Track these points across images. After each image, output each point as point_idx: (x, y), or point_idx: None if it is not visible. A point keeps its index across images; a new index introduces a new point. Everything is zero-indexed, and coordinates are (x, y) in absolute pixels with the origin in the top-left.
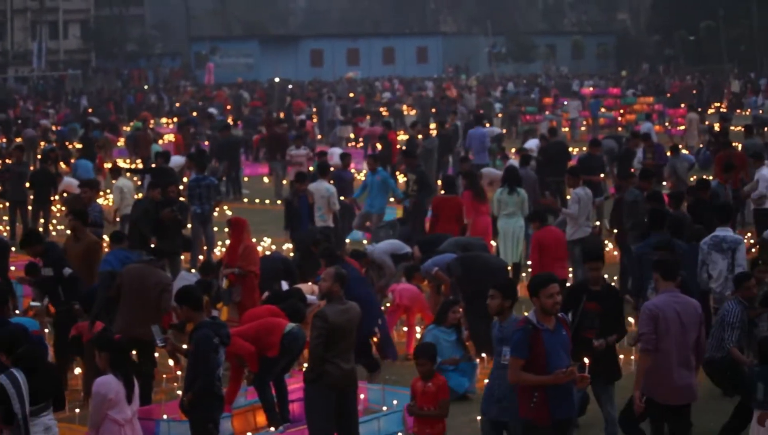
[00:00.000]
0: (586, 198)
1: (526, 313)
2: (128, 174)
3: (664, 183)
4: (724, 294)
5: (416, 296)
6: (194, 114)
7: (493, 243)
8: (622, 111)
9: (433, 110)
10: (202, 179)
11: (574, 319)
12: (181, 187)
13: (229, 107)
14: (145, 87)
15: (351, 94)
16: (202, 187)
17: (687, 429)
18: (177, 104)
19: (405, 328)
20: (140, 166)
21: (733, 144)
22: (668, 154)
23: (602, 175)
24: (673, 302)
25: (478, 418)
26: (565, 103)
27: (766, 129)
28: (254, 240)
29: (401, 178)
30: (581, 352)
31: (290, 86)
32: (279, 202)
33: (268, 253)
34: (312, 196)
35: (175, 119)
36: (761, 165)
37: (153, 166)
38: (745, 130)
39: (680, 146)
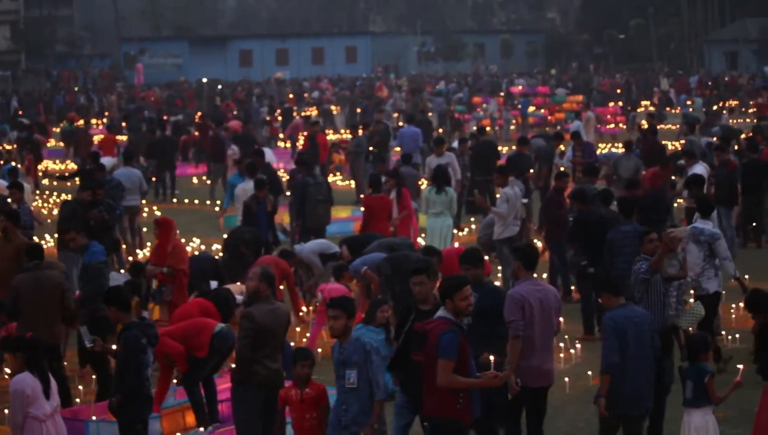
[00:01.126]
0: (514, 197)
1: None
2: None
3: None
4: (701, 282)
5: (346, 295)
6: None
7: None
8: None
9: (358, 110)
10: (109, 181)
11: (400, 339)
12: None
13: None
14: (75, 88)
15: (291, 96)
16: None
17: (544, 411)
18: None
19: None
20: (75, 166)
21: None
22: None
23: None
24: (534, 290)
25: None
26: (485, 103)
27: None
28: (183, 240)
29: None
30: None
31: (219, 87)
32: (208, 202)
33: (197, 253)
34: (272, 202)
35: (104, 120)
36: (694, 163)
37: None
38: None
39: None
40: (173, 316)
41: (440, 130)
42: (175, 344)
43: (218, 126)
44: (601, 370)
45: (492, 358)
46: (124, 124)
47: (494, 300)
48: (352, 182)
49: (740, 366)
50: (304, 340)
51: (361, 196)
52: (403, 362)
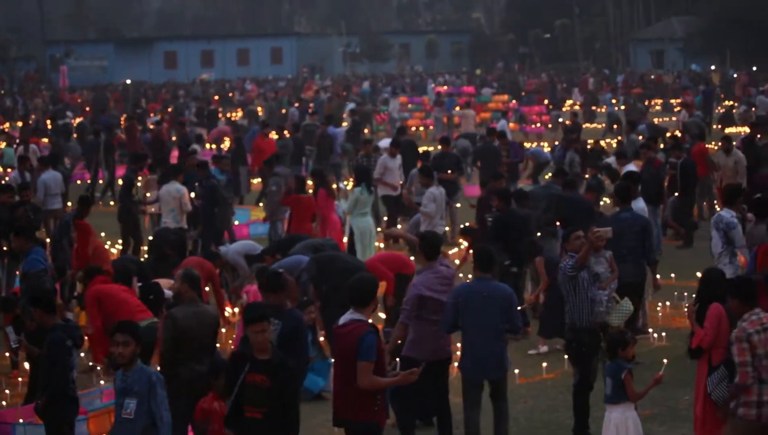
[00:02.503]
0: (440, 197)
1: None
2: None
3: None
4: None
5: None
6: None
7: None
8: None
9: (283, 111)
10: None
11: (233, 391)
12: None
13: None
14: (1, 91)
15: (216, 97)
16: None
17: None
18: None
19: None
20: None
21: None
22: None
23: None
24: (432, 277)
25: None
26: (410, 104)
27: (615, 126)
28: (109, 242)
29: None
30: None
31: (145, 89)
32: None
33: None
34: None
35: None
36: (627, 163)
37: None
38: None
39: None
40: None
41: (366, 131)
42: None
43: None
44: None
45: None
46: (49, 126)
47: None
48: None
49: (665, 361)
50: (230, 341)
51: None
52: (237, 418)
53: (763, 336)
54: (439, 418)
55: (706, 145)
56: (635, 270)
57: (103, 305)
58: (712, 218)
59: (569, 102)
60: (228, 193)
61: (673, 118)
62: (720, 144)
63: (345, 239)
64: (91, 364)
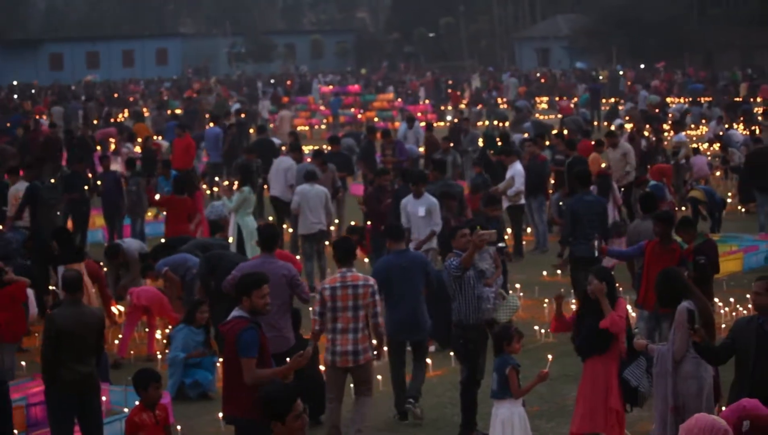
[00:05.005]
0: (315, 196)
1: None
2: None
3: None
4: None
5: (155, 297)
6: None
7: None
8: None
9: (169, 112)
10: None
11: None
12: None
13: None
14: None
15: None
16: None
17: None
18: None
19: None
20: None
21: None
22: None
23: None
24: (267, 265)
25: (220, 415)
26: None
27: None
28: None
29: None
30: None
31: (33, 90)
32: None
33: None
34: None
35: None
36: (514, 161)
37: None
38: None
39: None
40: None
41: (251, 131)
42: None
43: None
44: None
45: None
46: None
47: None
48: None
49: (549, 357)
50: (116, 341)
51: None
52: None
53: None
54: None
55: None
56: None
57: None
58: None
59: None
60: (50, 194)
61: (558, 116)
62: (606, 140)
63: (231, 238)
64: None
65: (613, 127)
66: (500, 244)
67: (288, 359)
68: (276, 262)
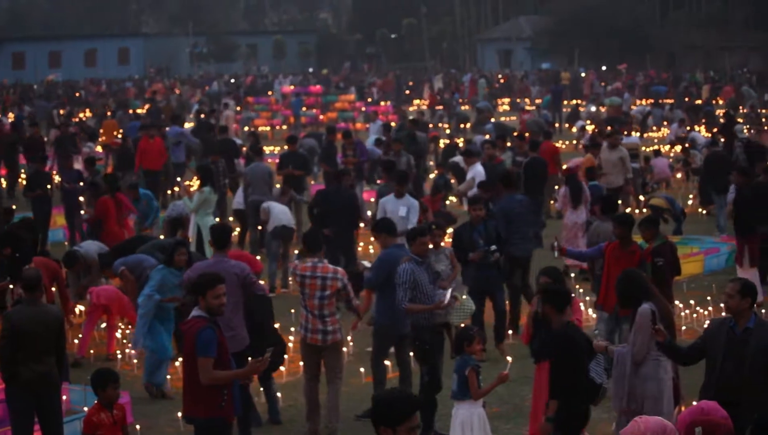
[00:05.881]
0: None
1: None
2: None
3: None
4: None
5: (114, 296)
6: None
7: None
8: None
9: (130, 111)
10: None
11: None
12: None
13: None
14: None
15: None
16: None
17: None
18: None
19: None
20: None
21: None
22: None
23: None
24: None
25: (179, 414)
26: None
27: (463, 125)
28: None
29: None
30: None
31: None
32: None
33: None
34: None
35: None
36: (474, 162)
37: None
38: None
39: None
40: None
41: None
42: None
43: None
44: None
45: None
46: None
47: None
48: None
49: (509, 359)
50: (76, 341)
51: None
52: None
53: None
54: None
55: (555, 144)
56: (533, 245)
57: None
58: None
59: (416, 101)
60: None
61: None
62: (607, 139)
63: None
64: None
65: (574, 129)
66: (492, 248)
67: (249, 359)
68: (228, 262)
